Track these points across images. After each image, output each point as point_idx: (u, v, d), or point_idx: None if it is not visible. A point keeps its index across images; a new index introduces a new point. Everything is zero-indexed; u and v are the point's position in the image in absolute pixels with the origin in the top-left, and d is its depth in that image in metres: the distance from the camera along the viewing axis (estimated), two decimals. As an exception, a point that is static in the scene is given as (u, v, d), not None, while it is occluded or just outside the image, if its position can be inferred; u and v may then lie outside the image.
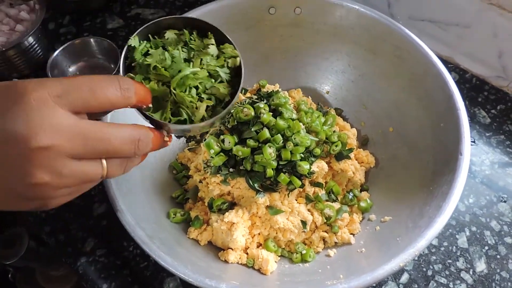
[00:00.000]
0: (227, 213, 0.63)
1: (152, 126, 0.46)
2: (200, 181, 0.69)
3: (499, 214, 0.77)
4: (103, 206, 0.76)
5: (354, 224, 0.67)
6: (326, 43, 0.80)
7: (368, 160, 0.74)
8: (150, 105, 0.45)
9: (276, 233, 0.64)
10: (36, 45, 0.93)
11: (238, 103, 0.65)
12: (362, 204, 0.69)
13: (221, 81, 0.50)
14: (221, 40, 0.52)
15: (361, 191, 0.72)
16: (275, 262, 0.63)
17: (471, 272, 0.71)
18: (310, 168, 0.63)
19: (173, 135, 0.50)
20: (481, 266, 0.71)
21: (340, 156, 0.69)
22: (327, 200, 0.67)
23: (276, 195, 0.64)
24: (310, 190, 0.66)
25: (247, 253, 0.64)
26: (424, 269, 0.70)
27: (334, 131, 0.71)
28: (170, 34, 0.50)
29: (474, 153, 0.84)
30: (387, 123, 0.76)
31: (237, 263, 0.63)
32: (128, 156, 0.41)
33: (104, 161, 0.40)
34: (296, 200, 0.66)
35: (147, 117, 0.46)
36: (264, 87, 0.74)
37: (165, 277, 0.69)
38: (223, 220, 0.63)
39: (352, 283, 0.49)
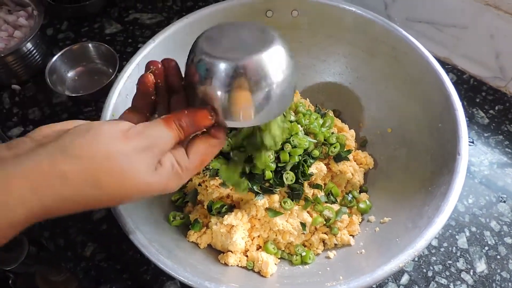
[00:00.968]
0: (226, 216, 0.63)
1: None
2: (199, 184, 0.69)
3: (499, 214, 0.77)
4: (102, 211, 0.77)
5: (353, 225, 0.67)
6: (323, 45, 0.81)
7: (367, 162, 0.74)
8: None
9: (276, 235, 0.64)
10: (34, 51, 0.94)
11: None
12: (361, 205, 0.69)
13: None
14: None
15: (360, 192, 0.72)
16: (275, 264, 0.63)
17: (471, 273, 0.71)
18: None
19: None
20: (481, 266, 0.71)
21: (338, 158, 0.69)
22: (326, 202, 0.67)
23: (275, 197, 0.64)
24: (309, 192, 0.66)
25: (246, 256, 0.64)
26: (424, 270, 0.70)
27: (332, 133, 0.71)
28: None
29: (473, 154, 0.84)
30: (385, 124, 0.76)
31: (237, 265, 0.62)
32: None
33: None
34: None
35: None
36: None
37: (165, 281, 0.69)
38: (222, 223, 0.62)
39: (352, 284, 0.49)
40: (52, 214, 0.37)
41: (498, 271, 0.71)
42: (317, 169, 0.66)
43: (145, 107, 0.48)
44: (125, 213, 0.56)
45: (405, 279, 0.70)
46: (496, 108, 0.91)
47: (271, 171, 0.62)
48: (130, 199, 0.40)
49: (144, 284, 0.68)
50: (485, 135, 0.87)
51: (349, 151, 0.70)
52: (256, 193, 0.64)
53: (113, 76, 0.91)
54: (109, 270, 0.69)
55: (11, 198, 0.34)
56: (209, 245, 0.66)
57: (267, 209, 0.64)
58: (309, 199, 0.66)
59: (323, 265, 0.62)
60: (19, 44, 0.89)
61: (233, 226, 0.62)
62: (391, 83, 0.75)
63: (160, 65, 0.46)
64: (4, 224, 0.35)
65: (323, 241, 0.66)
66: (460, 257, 0.72)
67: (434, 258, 0.72)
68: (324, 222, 0.66)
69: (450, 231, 0.75)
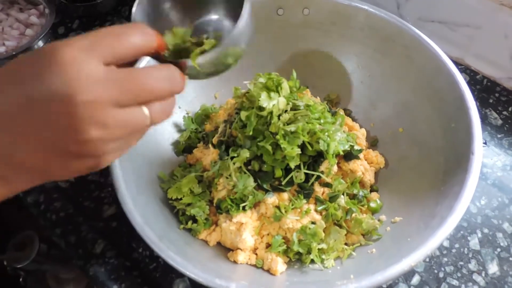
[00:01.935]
0: (235, 214, 0.63)
1: None
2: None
3: (512, 216, 0.76)
4: (112, 208, 0.77)
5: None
6: (334, 44, 0.80)
7: (378, 161, 0.73)
8: (167, 52, 0.44)
9: (285, 233, 0.64)
10: (46, 49, 0.94)
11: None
12: (372, 204, 0.68)
13: None
14: None
15: (370, 191, 0.71)
16: (284, 263, 0.63)
17: (483, 274, 0.70)
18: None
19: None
20: (493, 268, 0.70)
21: (349, 156, 0.69)
22: (336, 201, 0.67)
23: (285, 195, 0.64)
24: (319, 190, 0.66)
25: (256, 254, 0.63)
26: (436, 271, 0.70)
27: (343, 131, 0.71)
28: None
29: (486, 155, 0.83)
30: (397, 123, 0.75)
31: (246, 263, 0.62)
32: (165, 95, 0.41)
33: (145, 108, 0.39)
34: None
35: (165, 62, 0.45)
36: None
37: (174, 278, 0.69)
38: (231, 221, 0.62)
39: (363, 282, 0.49)
40: None
41: (510, 273, 0.70)
42: (327, 168, 0.65)
43: None
44: (135, 210, 0.56)
45: (416, 279, 0.69)
46: (510, 109, 0.90)
47: (281, 169, 0.62)
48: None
49: (154, 281, 0.68)
50: (498, 136, 0.86)
51: (360, 150, 0.70)
52: (266, 191, 0.63)
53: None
54: (119, 267, 0.69)
55: None
56: (219, 243, 0.66)
57: (276, 207, 0.63)
58: (319, 198, 0.66)
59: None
60: (31, 42, 0.90)
61: (242, 223, 0.62)
62: (403, 83, 0.74)
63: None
64: None
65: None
66: (472, 259, 0.71)
67: (446, 259, 0.71)
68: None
69: (462, 232, 0.74)
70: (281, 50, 0.83)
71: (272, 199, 0.63)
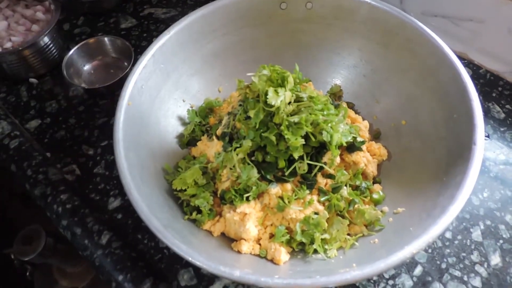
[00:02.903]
0: (239, 204, 0.63)
1: None
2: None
3: (514, 208, 0.76)
4: (118, 200, 0.78)
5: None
6: (337, 38, 0.81)
7: (381, 153, 0.74)
8: None
9: (289, 223, 0.64)
10: (51, 45, 0.96)
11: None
12: (375, 196, 0.69)
13: None
14: None
15: (373, 183, 0.72)
16: (288, 253, 0.63)
17: (485, 266, 0.70)
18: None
19: None
20: (495, 259, 0.71)
21: (352, 148, 0.69)
22: (339, 192, 0.67)
23: (288, 186, 0.64)
24: (322, 181, 0.67)
25: (259, 244, 0.64)
26: (438, 262, 0.70)
27: (346, 123, 0.71)
28: None
29: (489, 148, 0.84)
30: (400, 116, 0.76)
31: (250, 253, 0.63)
32: None
33: None
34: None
35: None
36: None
37: (179, 269, 0.69)
38: (235, 211, 0.63)
39: (366, 270, 0.50)
40: None
41: (513, 264, 0.70)
42: (329, 159, 0.66)
43: None
44: (141, 200, 0.57)
45: (418, 270, 0.69)
46: (513, 102, 0.90)
47: (284, 160, 0.63)
48: None
49: (159, 272, 0.69)
50: (501, 129, 0.86)
51: (362, 142, 0.70)
52: (269, 182, 0.64)
53: (128, 69, 0.92)
54: (125, 258, 0.70)
55: None
56: (223, 234, 0.67)
57: (279, 198, 0.64)
58: (322, 189, 0.66)
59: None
60: (36, 37, 0.91)
61: (246, 214, 0.63)
62: (406, 75, 0.75)
63: None
64: None
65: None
66: (474, 250, 0.72)
67: (448, 250, 0.71)
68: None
69: (464, 224, 0.74)
70: (284, 43, 0.83)
71: (275, 189, 0.64)
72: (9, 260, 1.06)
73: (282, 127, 0.60)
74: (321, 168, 0.66)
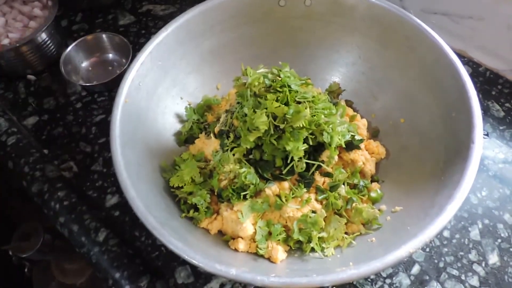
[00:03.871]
0: (236, 202, 0.63)
1: None
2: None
3: (513, 207, 0.76)
4: (115, 198, 0.78)
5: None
6: (336, 35, 0.80)
7: (379, 151, 0.74)
8: None
9: (286, 222, 0.64)
10: (49, 41, 0.95)
11: None
12: (373, 194, 0.68)
13: None
14: None
15: (371, 182, 0.72)
16: (285, 251, 0.63)
17: (483, 265, 0.70)
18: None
19: None
20: (493, 258, 0.71)
21: (350, 146, 0.69)
22: (337, 190, 0.67)
23: (285, 184, 0.64)
24: (320, 180, 0.66)
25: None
26: (436, 261, 0.70)
27: (344, 121, 0.71)
28: None
29: (488, 147, 0.83)
30: (398, 114, 0.75)
31: (247, 251, 0.63)
32: None
33: None
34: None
35: None
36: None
37: (176, 266, 0.69)
38: (232, 209, 0.63)
39: (362, 269, 0.49)
40: None
41: (511, 263, 0.70)
42: (327, 157, 0.66)
43: None
44: (137, 198, 0.57)
45: (416, 269, 0.69)
46: (512, 101, 0.90)
47: (281, 158, 0.62)
48: None
49: (156, 269, 0.69)
50: (500, 128, 0.86)
51: (360, 140, 0.70)
52: (267, 180, 0.64)
53: (126, 66, 0.91)
54: (122, 255, 0.70)
55: None
56: (220, 232, 0.66)
57: (277, 196, 0.64)
58: (320, 188, 0.66)
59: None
60: (34, 34, 0.91)
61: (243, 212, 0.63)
62: (404, 73, 0.74)
63: None
64: None
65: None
66: (472, 249, 0.71)
67: (446, 249, 0.71)
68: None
69: (462, 222, 0.74)
70: (282, 40, 0.83)
71: (273, 188, 0.63)
72: (7, 256, 1.06)
73: (286, 134, 0.60)
74: (319, 166, 0.65)
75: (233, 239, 0.65)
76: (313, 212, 0.64)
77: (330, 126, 0.62)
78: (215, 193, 0.67)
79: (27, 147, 0.84)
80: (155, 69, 0.73)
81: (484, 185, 0.79)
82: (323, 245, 0.63)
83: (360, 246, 0.62)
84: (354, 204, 0.66)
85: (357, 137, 0.69)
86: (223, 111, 0.74)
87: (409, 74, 0.73)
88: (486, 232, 0.73)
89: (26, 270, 1.21)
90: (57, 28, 0.99)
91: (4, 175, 1.01)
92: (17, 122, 0.89)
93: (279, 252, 0.61)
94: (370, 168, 0.71)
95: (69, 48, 0.94)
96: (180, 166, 0.70)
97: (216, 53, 0.82)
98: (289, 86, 0.63)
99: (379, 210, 0.67)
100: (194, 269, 0.69)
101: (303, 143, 0.61)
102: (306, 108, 0.61)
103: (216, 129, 0.70)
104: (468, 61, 0.95)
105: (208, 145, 0.73)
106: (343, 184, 0.68)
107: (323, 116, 0.62)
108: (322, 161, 0.65)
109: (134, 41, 1.03)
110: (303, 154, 0.62)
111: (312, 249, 0.63)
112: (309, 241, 0.63)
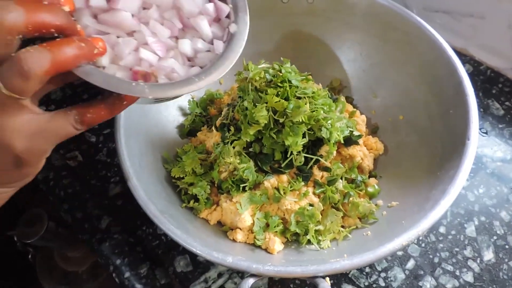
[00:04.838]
0: (235, 194, 0.65)
1: None
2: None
3: (510, 205, 0.77)
4: (118, 187, 0.79)
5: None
6: (338, 32, 0.81)
7: (377, 147, 0.75)
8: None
9: (284, 214, 0.66)
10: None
11: None
12: (370, 189, 0.70)
13: None
14: None
15: (369, 177, 0.73)
16: (282, 243, 0.65)
17: (478, 261, 0.71)
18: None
19: None
20: (488, 255, 0.72)
21: (348, 142, 0.70)
22: (334, 184, 0.68)
23: (284, 177, 0.65)
24: (318, 174, 0.68)
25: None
26: (431, 256, 0.71)
27: (343, 117, 0.72)
28: None
29: (486, 145, 0.84)
30: (397, 111, 0.76)
31: (245, 242, 0.64)
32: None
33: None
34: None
35: None
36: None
37: (175, 255, 0.71)
38: (231, 201, 0.64)
39: (355, 260, 0.51)
40: None
41: (506, 260, 0.71)
42: (326, 152, 0.67)
43: None
44: (140, 186, 0.58)
45: (411, 264, 0.70)
46: (512, 100, 0.90)
47: (280, 152, 0.64)
48: None
49: (156, 257, 0.71)
50: (500, 126, 0.87)
51: (359, 136, 0.71)
52: (266, 173, 0.65)
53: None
54: (123, 243, 0.72)
55: None
56: (219, 222, 0.68)
57: (275, 189, 0.65)
58: (318, 182, 0.67)
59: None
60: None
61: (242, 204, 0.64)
62: (403, 70, 0.75)
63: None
64: None
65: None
66: (468, 245, 0.72)
67: (441, 245, 0.72)
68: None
69: (458, 219, 0.75)
70: (284, 37, 0.84)
71: (271, 180, 0.65)
72: (12, 242, 1.08)
73: (286, 129, 0.61)
74: (317, 160, 0.67)
75: (232, 229, 0.66)
76: (311, 205, 0.66)
77: (329, 121, 0.64)
78: (215, 185, 0.69)
79: (33, 136, 0.86)
80: (159, 62, 0.74)
81: (482, 182, 0.79)
82: (320, 238, 0.64)
83: (356, 239, 0.64)
84: (351, 198, 0.67)
85: (356, 133, 0.71)
86: (225, 105, 0.75)
87: (409, 70, 0.74)
88: (482, 229, 0.74)
89: (30, 256, 1.23)
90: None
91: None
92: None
93: (276, 244, 0.62)
94: (368, 163, 0.72)
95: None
96: (182, 158, 0.71)
97: (220, 48, 0.82)
98: (289, 82, 0.64)
99: (375, 205, 0.68)
100: (193, 258, 0.71)
101: (303, 137, 0.63)
102: (306, 104, 0.62)
103: (218, 122, 0.72)
104: (469, 60, 0.96)
105: (209, 137, 0.74)
106: (341, 178, 0.69)
107: (322, 112, 0.63)
108: (321, 156, 0.67)
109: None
110: (302, 149, 0.63)
111: (309, 241, 0.64)
112: (306, 233, 0.64)
